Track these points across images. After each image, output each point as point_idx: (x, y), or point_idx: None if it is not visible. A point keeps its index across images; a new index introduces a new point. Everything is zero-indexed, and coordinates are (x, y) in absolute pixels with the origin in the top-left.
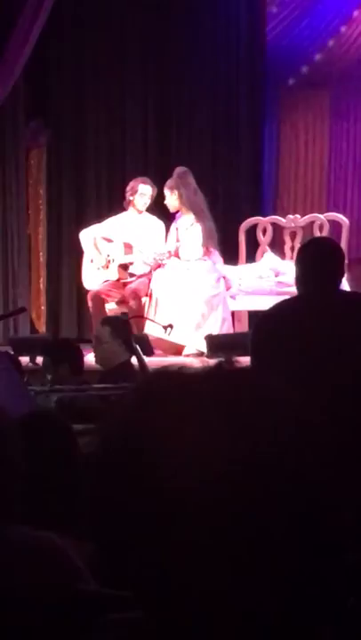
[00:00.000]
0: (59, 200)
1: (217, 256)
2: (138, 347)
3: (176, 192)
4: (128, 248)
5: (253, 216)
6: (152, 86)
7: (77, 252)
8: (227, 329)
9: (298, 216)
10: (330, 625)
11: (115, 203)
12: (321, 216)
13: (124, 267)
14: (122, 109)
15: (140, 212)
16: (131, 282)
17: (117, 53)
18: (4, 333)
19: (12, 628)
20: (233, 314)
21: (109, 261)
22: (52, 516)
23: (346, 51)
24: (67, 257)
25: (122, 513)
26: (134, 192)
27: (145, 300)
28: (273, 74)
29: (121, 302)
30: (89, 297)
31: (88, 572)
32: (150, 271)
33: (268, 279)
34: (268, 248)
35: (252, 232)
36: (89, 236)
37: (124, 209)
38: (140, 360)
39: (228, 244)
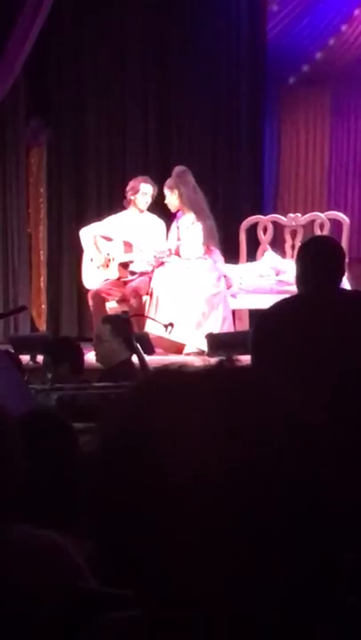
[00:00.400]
0: (59, 199)
1: (218, 255)
2: (138, 345)
3: (176, 191)
4: (128, 247)
5: (254, 215)
6: (152, 85)
7: (78, 251)
8: (227, 328)
9: (298, 215)
10: (330, 625)
11: (115, 202)
12: (322, 215)
13: (125, 265)
14: (122, 108)
15: (142, 212)
16: (131, 280)
17: (118, 52)
18: (4, 332)
19: (13, 627)
20: (234, 312)
21: (109, 260)
22: (52, 514)
23: (347, 49)
24: (67, 255)
25: (122, 511)
26: (136, 191)
27: (146, 298)
28: (273, 72)
29: (121, 301)
30: (89, 295)
31: (88, 570)
32: (151, 270)
33: (269, 278)
34: (268, 247)
35: (252, 231)
36: (89, 235)
37: (124, 208)
38: (141, 359)
39: (229, 242)
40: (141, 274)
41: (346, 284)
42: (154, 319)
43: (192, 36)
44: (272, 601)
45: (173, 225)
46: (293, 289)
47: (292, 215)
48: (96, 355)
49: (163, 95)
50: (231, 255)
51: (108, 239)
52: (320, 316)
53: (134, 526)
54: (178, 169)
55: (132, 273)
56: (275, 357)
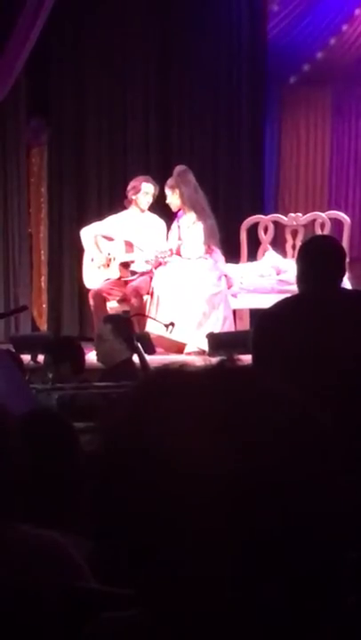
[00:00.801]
0: (60, 198)
1: (219, 254)
2: (139, 345)
3: (177, 191)
4: (129, 246)
5: (255, 214)
6: (153, 85)
7: (79, 251)
8: (228, 327)
9: (299, 214)
10: (330, 624)
11: (116, 201)
12: (322, 214)
13: (126, 265)
14: (123, 108)
15: (143, 211)
16: (132, 280)
17: (118, 52)
18: (5, 332)
19: (13, 626)
20: (234, 312)
21: (110, 260)
22: (52, 514)
23: (347, 49)
24: (68, 255)
25: (123, 511)
26: (137, 191)
27: (146, 298)
28: (274, 72)
29: (122, 300)
30: (90, 295)
31: (88, 570)
32: (152, 269)
33: (270, 277)
34: (269, 246)
35: (253, 230)
36: (90, 235)
37: (124, 207)
38: (142, 358)
39: (230, 242)
40: (142, 273)
41: (346, 283)
42: (155, 319)
43: (193, 36)
44: (273, 600)
45: (174, 224)
46: (294, 288)
47: (292, 215)
48: (97, 354)
49: (164, 95)
50: (232, 255)
51: (109, 239)
52: (321, 316)
53: (135, 525)
54: (178, 168)
55: (133, 273)
56: (275, 357)
